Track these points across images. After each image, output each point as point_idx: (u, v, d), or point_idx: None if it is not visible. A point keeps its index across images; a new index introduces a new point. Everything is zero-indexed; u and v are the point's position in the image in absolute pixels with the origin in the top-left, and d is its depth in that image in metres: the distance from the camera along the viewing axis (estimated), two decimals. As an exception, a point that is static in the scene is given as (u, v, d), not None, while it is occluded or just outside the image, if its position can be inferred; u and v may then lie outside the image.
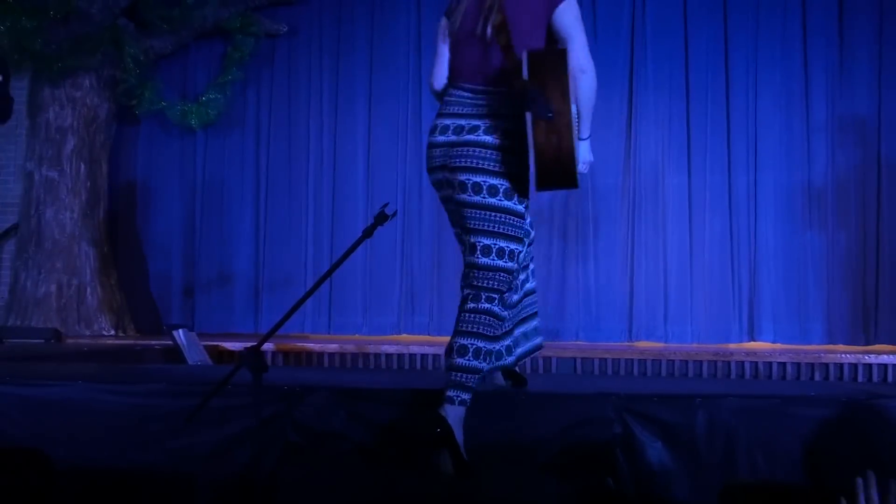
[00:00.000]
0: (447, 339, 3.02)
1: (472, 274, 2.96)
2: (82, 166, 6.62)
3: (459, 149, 2.95)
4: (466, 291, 2.97)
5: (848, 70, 6.22)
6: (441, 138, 3.02)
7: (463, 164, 2.94)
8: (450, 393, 2.87)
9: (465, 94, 3.02)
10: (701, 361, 5.28)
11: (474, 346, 2.91)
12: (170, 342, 5.23)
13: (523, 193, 2.96)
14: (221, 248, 7.04)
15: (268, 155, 7.05)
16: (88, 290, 6.55)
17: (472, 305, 2.94)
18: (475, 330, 2.92)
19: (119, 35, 6.52)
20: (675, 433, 2.88)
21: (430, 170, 3.08)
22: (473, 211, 2.94)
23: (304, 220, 6.94)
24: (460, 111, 3.00)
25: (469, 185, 2.93)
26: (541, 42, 2.94)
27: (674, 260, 6.35)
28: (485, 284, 2.94)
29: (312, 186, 6.95)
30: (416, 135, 6.63)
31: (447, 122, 3.02)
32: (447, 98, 3.07)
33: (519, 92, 2.79)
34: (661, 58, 6.43)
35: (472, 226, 2.95)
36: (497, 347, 3.11)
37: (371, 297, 6.78)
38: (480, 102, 2.97)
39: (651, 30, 6.46)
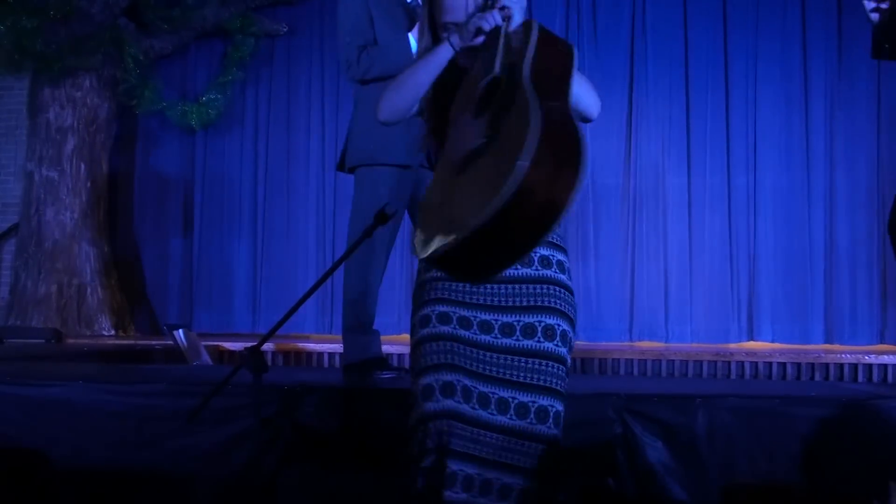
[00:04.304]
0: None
1: None
2: (82, 166, 6.62)
3: None
4: None
5: (847, 69, 6.22)
6: None
7: None
8: None
9: None
10: (701, 361, 5.28)
11: None
12: (170, 342, 5.22)
13: None
14: (221, 248, 7.04)
15: (267, 155, 7.05)
16: (89, 290, 6.55)
17: None
18: None
19: (119, 35, 6.52)
20: (675, 433, 2.87)
21: None
22: None
23: (304, 220, 6.93)
24: None
25: None
26: None
27: (674, 260, 6.35)
28: None
29: (312, 186, 6.94)
30: (416, 135, 6.62)
31: None
32: None
33: None
34: (661, 58, 6.43)
35: None
36: None
37: (371, 297, 6.76)
38: None
39: (651, 30, 6.46)
